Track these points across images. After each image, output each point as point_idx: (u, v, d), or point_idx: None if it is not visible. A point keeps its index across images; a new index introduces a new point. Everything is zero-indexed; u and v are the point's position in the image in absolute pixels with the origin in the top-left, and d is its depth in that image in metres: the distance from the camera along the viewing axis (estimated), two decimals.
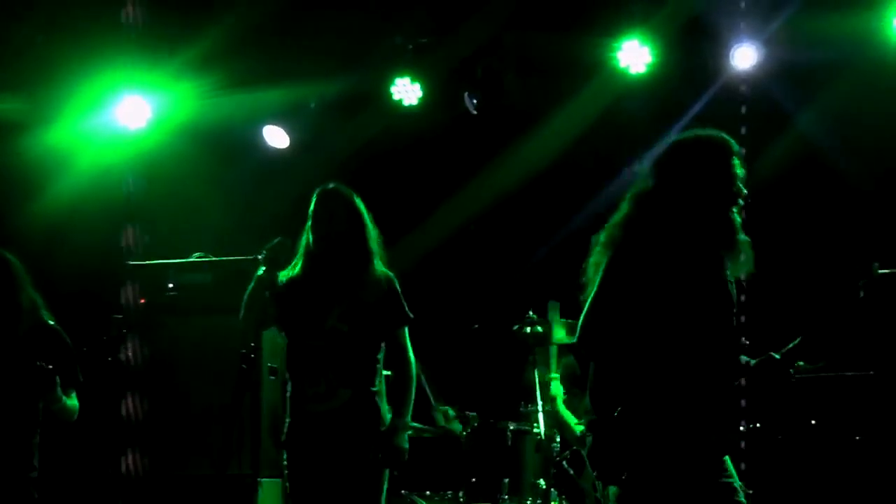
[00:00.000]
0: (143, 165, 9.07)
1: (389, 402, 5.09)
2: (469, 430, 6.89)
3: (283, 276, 5.09)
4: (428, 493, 7.03)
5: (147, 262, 7.90)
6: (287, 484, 5.05)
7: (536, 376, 7.06)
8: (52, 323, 5.48)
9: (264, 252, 4.93)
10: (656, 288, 3.84)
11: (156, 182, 9.05)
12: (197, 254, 7.87)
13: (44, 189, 8.68)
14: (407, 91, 9.02)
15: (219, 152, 9.13)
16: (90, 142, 8.88)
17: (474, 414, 6.97)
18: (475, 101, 8.99)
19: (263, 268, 4.91)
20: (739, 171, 3.98)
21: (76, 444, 7.45)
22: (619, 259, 3.90)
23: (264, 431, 7.36)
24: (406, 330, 5.17)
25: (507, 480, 6.76)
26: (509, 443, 6.82)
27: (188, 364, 7.53)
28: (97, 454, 7.86)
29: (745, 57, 8.20)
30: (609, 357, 3.88)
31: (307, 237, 5.11)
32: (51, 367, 5.16)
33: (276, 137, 9.32)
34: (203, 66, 8.68)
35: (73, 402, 5.45)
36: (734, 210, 4.01)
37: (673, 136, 4.14)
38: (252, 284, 4.93)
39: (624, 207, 4.07)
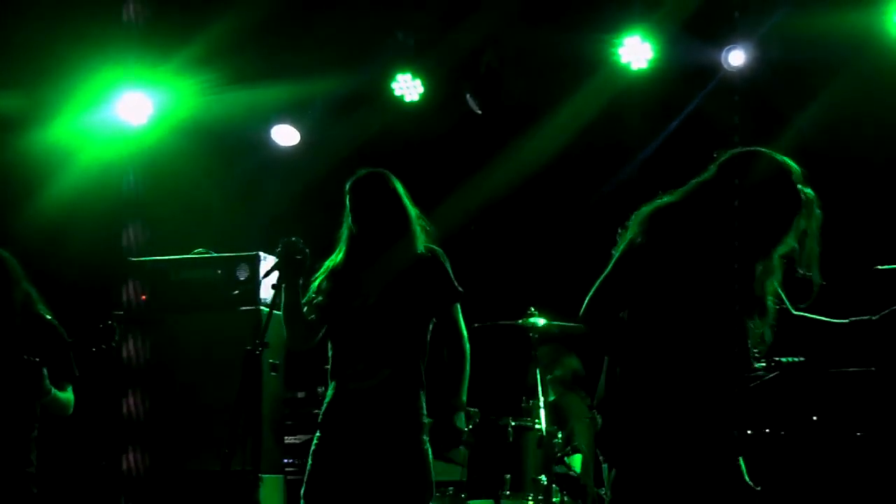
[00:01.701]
0: (145, 162, 9.08)
1: (445, 381, 5.07)
2: (471, 427, 6.88)
3: (326, 265, 5.10)
4: None
5: (148, 258, 7.91)
6: (311, 462, 4.93)
7: (538, 373, 7.05)
8: (48, 317, 5.48)
9: (277, 267, 4.91)
10: (677, 277, 3.88)
11: (157, 178, 9.05)
12: (198, 250, 7.87)
13: (45, 186, 8.68)
14: (408, 87, 9.01)
15: (220, 149, 9.12)
16: (91, 138, 8.88)
17: (476, 410, 6.97)
18: (478, 101, 8.99)
19: (284, 284, 4.89)
20: (803, 221, 4.05)
21: (77, 441, 7.44)
22: (649, 240, 3.97)
23: (266, 427, 7.38)
24: (458, 307, 5.14)
25: (508, 476, 6.75)
26: (511, 439, 6.80)
27: (189, 360, 7.54)
28: (98, 450, 7.87)
29: (740, 54, 8.22)
30: (609, 336, 3.90)
31: (348, 226, 5.10)
32: (37, 359, 5.15)
33: (285, 136, 9.30)
34: (204, 63, 8.68)
35: (66, 395, 5.44)
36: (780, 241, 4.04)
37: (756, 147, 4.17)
38: (284, 296, 4.91)
39: (674, 195, 4.13)
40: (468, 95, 8.98)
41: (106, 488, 7.69)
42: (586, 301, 3.98)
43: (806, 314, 4.25)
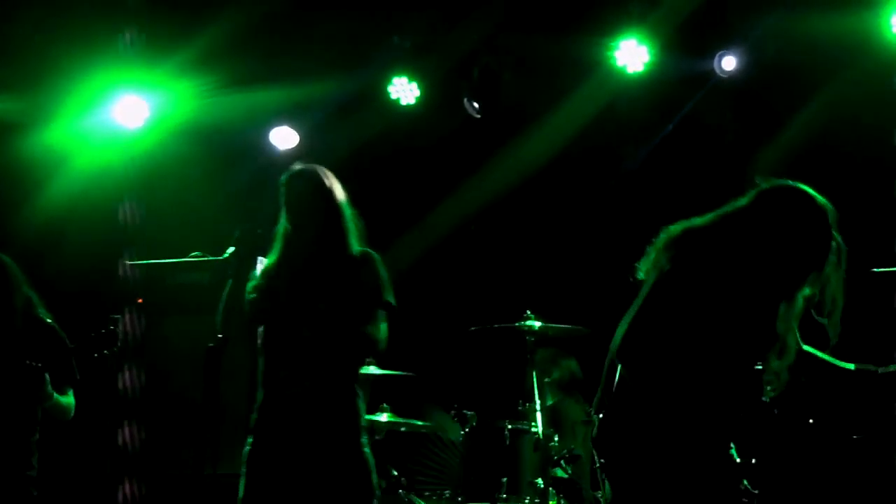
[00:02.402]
0: (141, 165, 9.08)
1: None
2: (467, 430, 6.88)
3: (265, 264, 4.96)
4: (426, 493, 7.02)
5: (145, 261, 7.91)
6: (244, 470, 4.84)
7: (535, 376, 7.06)
8: (49, 321, 5.49)
9: (231, 251, 4.79)
10: (702, 308, 3.80)
11: (153, 182, 9.05)
12: (194, 253, 7.86)
13: (41, 189, 8.67)
14: (405, 90, 9.02)
15: (216, 152, 9.12)
16: (88, 142, 8.88)
17: (472, 413, 6.97)
18: (476, 106, 9.00)
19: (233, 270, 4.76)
20: (832, 264, 3.96)
21: (76, 444, 7.44)
22: (677, 267, 3.87)
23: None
24: (381, 314, 4.96)
25: (505, 479, 6.74)
26: (507, 442, 6.80)
27: (184, 362, 7.54)
28: (94, 469, 7.87)
29: (732, 60, 8.25)
30: (647, 371, 3.80)
31: (283, 224, 4.98)
32: (39, 364, 5.15)
33: (283, 138, 9.29)
34: (201, 66, 8.68)
35: (67, 399, 5.44)
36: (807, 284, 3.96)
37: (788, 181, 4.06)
38: (228, 286, 4.79)
39: (705, 218, 4.01)
40: (465, 99, 8.99)
41: (104, 493, 7.70)
42: (623, 337, 3.85)
43: (814, 352, 4.21)
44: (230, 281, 4.77)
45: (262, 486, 4.80)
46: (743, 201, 4.03)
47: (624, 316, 3.96)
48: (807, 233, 3.91)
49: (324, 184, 4.98)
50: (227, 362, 7.37)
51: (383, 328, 4.94)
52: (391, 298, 4.98)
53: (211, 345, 4.62)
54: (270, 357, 4.91)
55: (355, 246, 4.97)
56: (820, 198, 4.00)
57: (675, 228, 4.02)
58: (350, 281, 4.89)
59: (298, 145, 9.28)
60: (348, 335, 4.88)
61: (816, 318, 4.02)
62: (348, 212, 5.01)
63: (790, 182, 4.01)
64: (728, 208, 4.04)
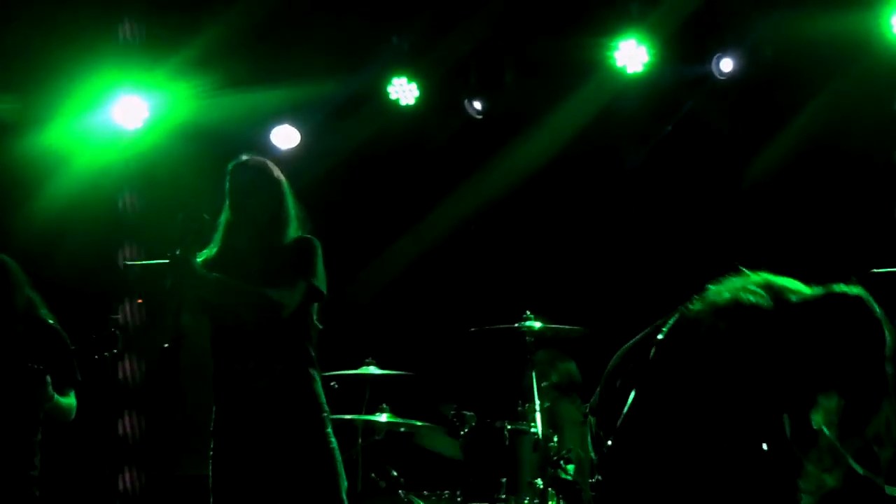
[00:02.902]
0: (140, 166, 9.07)
1: None
2: (467, 430, 6.88)
3: (202, 256, 4.85)
4: (425, 492, 7.02)
5: (144, 261, 7.90)
6: (211, 473, 4.78)
7: (534, 376, 7.05)
8: (51, 321, 5.49)
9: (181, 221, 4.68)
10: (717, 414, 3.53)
11: (153, 182, 9.05)
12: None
13: (40, 190, 8.67)
14: (404, 91, 9.01)
15: (216, 152, 9.10)
16: (87, 142, 8.87)
17: (472, 413, 6.96)
18: (476, 107, 9.00)
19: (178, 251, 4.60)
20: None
21: (76, 446, 7.44)
22: (732, 347, 3.54)
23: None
24: (302, 285, 4.77)
25: (504, 480, 6.74)
26: (507, 442, 6.80)
27: (186, 363, 7.54)
28: (95, 459, 7.87)
29: (729, 62, 8.26)
30: (644, 471, 3.61)
31: (226, 213, 4.94)
32: (40, 367, 5.15)
33: (285, 137, 9.27)
34: (200, 66, 8.68)
35: (69, 400, 5.44)
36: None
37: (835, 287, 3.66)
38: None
39: (757, 297, 3.60)
40: (466, 101, 8.99)
41: (104, 494, 7.70)
42: (615, 437, 3.68)
43: (863, 472, 3.91)
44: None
45: (230, 489, 4.74)
46: (806, 293, 3.65)
47: (634, 340, 3.84)
48: (868, 353, 3.53)
49: (267, 173, 4.95)
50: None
51: (296, 296, 4.74)
52: (320, 284, 4.83)
53: (166, 345, 4.50)
54: (217, 352, 4.85)
55: (293, 234, 4.91)
56: (886, 323, 3.59)
57: (726, 297, 3.66)
58: (289, 264, 4.80)
59: (297, 146, 9.28)
60: (298, 321, 4.79)
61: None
62: (290, 202, 4.95)
63: (859, 291, 3.62)
64: (791, 297, 3.64)
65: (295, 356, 4.80)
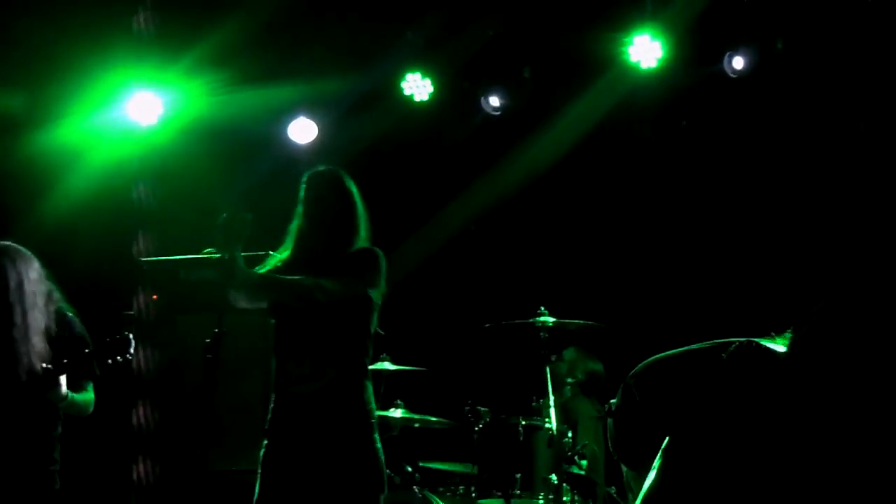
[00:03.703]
0: (155, 162, 9.09)
1: None
2: (481, 426, 6.89)
3: (274, 259, 5.11)
4: (440, 488, 7.03)
5: (158, 258, 7.92)
6: (260, 472, 4.95)
7: (548, 372, 7.05)
8: (70, 314, 5.48)
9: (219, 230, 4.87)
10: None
11: (167, 178, 9.06)
12: (208, 250, 7.87)
13: (55, 186, 8.70)
14: (418, 87, 9.01)
15: (230, 149, 9.13)
16: (101, 138, 8.89)
17: (486, 409, 6.97)
18: (493, 104, 9.00)
19: (226, 255, 4.84)
20: None
21: (91, 441, 7.47)
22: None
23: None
24: (345, 278, 4.95)
25: (518, 475, 6.75)
26: (521, 438, 6.80)
27: (198, 360, 7.55)
28: (109, 456, 7.89)
29: (741, 60, 8.24)
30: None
31: (298, 220, 5.14)
32: (49, 366, 5.14)
33: (302, 130, 9.27)
34: (214, 63, 8.69)
35: (85, 395, 5.42)
36: None
37: None
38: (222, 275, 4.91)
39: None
40: (483, 98, 8.99)
41: (118, 491, 7.72)
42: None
43: None
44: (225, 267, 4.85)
45: (277, 488, 4.90)
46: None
47: (673, 353, 3.46)
48: None
49: (341, 185, 5.14)
50: (241, 360, 7.43)
51: (331, 284, 4.88)
52: (370, 289, 5.00)
53: (207, 340, 4.75)
54: (277, 352, 5.04)
55: (360, 244, 5.11)
56: None
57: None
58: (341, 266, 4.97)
59: (311, 142, 9.29)
60: (356, 331, 5.02)
61: None
62: (361, 214, 5.15)
63: None
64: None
65: (348, 363, 4.98)
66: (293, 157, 9.36)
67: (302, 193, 5.12)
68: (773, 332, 3.25)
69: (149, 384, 7.60)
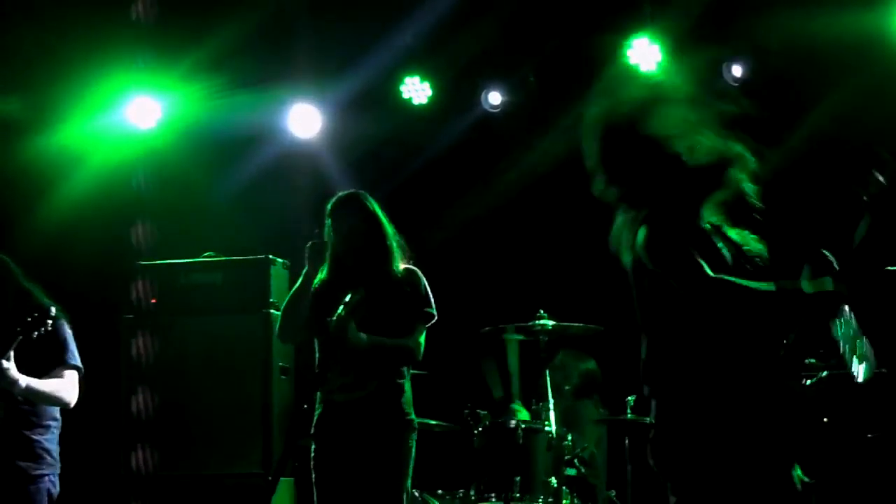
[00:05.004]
0: (153, 166, 9.09)
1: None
2: (480, 429, 6.88)
3: (316, 282, 5.40)
4: (440, 491, 7.02)
5: (157, 261, 7.92)
6: (313, 475, 5.33)
7: (548, 375, 7.05)
8: (44, 304, 5.17)
9: (308, 248, 5.30)
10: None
11: (166, 182, 9.06)
12: (207, 253, 7.88)
13: (54, 189, 8.70)
14: (416, 90, 9.02)
15: (228, 152, 9.13)
16: (100, 142, 8.89)
17: (485, 412, 6.97)
18: (492, 104, 9.00)
19: (307, 267, 5.32)
20: None
21: (85, 441, 7.46)
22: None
23: (276, 431, 7.40)
24: (422, 327, 5.48)
25: (518, 479, 6.74)
26: (520, 441, 6.79)
27: (198, 363, 7.56)
28: (106, 451, 7.88)
29: (738, 67, 8.26)
30: (674, 392, 3.71)
31: (331, 243, 5.41)
32: None
33: (304, 117, 9.22)
34: (213, 67, 8.69)
35: (54, 384, 5.14)
36: None
37: None
38: (299, 282, 5.36)
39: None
40: (483, 94, 8.99)
41: (113, 490, 7.71)
42: (644, 365, 3.86)
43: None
44: (302, 276, 5.37)
45: (328, 485, 5.31)
46: None
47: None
48: None
49: (367, 209, 5.43)
50: (239, 363, 7.41)
51: (421, 339, 5.45)
52: (432, 309, 5.51)
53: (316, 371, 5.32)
54: (323, 364, 5.37)
55: (397, 265, 5.42)
56: None
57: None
58: (400, 298, 5.39)
59: (311, 142, 9.27)
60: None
61: None
62: (391, 232, 5.46)
63: None
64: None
65: (390, 374, 5.37)
66: (291, 160, 9.37)
67: (330, 224, 5.39)
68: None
69: (146, 377, 7.61)
